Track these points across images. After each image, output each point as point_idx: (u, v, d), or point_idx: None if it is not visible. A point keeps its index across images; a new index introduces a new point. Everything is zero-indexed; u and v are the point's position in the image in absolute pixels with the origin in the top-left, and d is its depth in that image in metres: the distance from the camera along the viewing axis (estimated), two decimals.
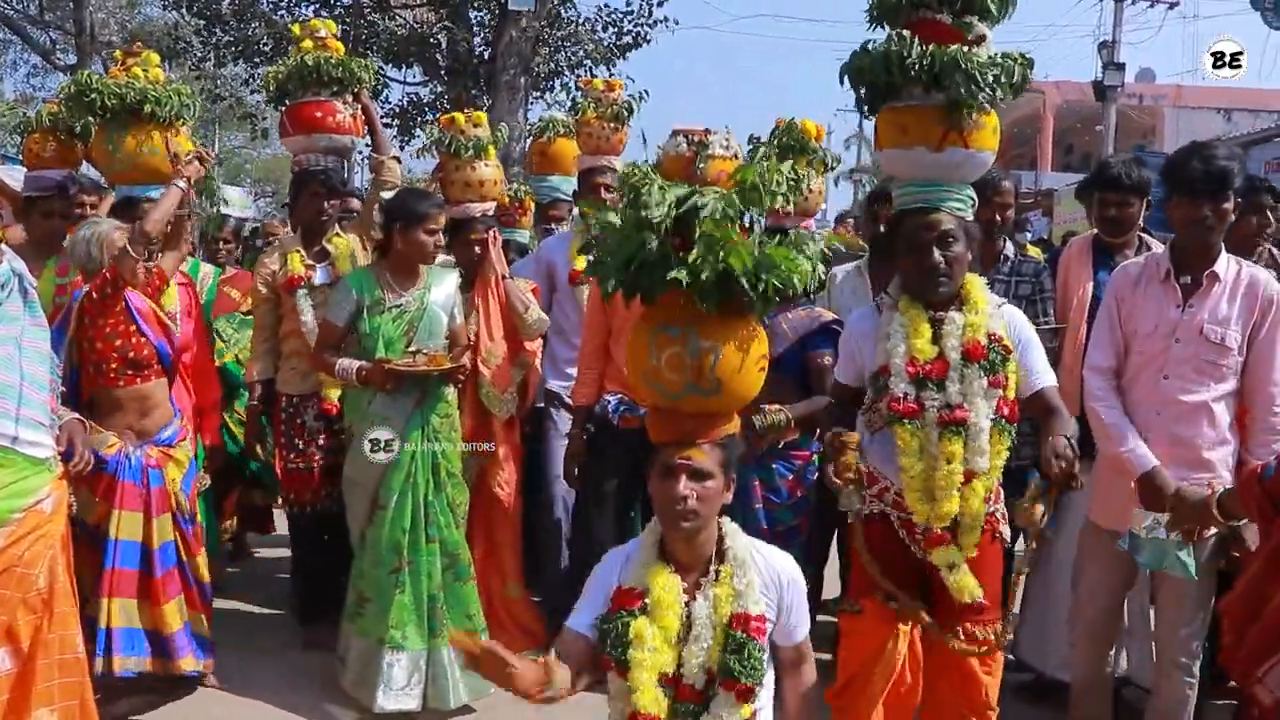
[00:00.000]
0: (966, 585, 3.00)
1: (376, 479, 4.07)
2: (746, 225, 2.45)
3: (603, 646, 2.43)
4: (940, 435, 2.98)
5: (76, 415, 3.42)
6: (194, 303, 4.47)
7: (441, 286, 4.22)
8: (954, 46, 3.02)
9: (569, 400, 4.58)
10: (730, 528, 2.52)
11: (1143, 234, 4.22)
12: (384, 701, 3.98)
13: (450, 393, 4.20)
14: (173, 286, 4.24)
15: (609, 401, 4.31)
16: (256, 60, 15.10)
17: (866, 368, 3.17)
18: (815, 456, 4.06)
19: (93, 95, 4.39)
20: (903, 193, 3.22)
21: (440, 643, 4.06)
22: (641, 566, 2.48)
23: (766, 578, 2.46)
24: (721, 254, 2.31)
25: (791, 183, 2.46)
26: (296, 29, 5.10)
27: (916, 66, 3.01)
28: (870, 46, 3.12)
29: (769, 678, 2.51)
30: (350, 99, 4.75)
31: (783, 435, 3.96)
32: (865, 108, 3.22)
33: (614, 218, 2.46)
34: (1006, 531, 3.17)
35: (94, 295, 3.80)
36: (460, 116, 4.64)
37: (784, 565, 2.52)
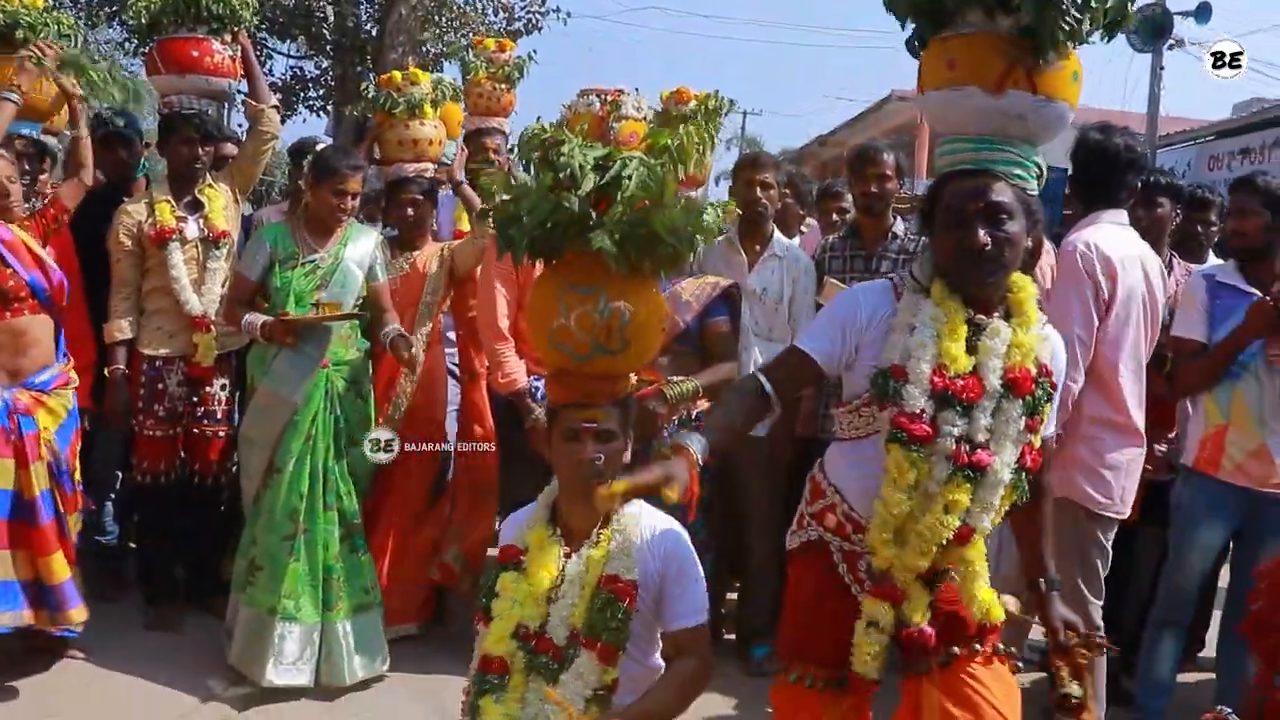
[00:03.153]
0: (986, 599, 2.38)
1: (274, 440, 3.92)
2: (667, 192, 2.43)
3: (477, 599, 2.44)
4: (950, 477, 2.27)
5: None
6: (67, 250, 4.19)
7: (358, 244, 4.10)
8: None
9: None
10: None
11: None
12: (274, 675, 3.80)
13: (360, 357, 4.08)
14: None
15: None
16: (131, 14, 14.45)
17: (864, 358, 2.42)
18: None
19: None
20: (946, 151, 2.44)
21: (335, 616, 3.91)
22: (527, 527, 2.47)
23: (652, 548, 2.40)
24: (646, 217, 2.29)
25: (704, 149, 2.46)
26: None
27: None
28: None
29: (652, 660, 2.45)
30: (229, 39, 4.50)
31: (692, 405, 4.01)
32: (915, 43, 2.50)
33: (528, 179, 2.41)
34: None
35: None
36: (398, 74, 4.54)
37: (675, 540, 2.43)
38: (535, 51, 5.89)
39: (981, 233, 2.27)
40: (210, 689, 3.88)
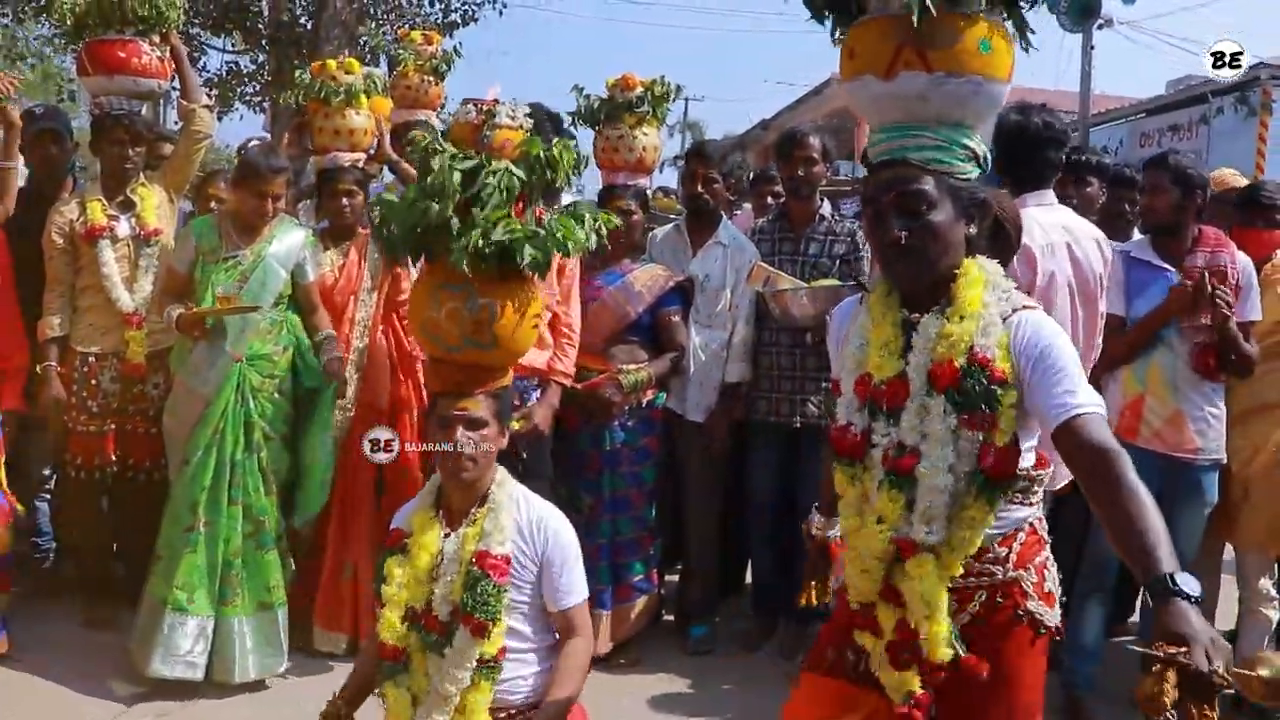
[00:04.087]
0: (936, 632, 2.08)
1: (187, 432, 3.93)
2: (531, 197, 2.57)
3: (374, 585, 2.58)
4: (880, 484, 2.15)
5: None
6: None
7: (284, 240, 4.11)
8: None
9: None
10: (501, 476, 2.60)
11: None
12: (160, 667, 3.79)
13: (278, 353, 4.08)
14: None
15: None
16: (56, 17, 14.21)
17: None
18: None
19: None
20: (869, 144, 2.31)
21: (230, 611, 3.88)
22: (414, 511, 2.61)
23: (529, 529, 2.54)
24: (500, 225, 2.43)
25: (575, 161, 2.62)
26: None
27: None
28: None
29: (533, 635, 2.55)
30: (157, 40, 4.51)
31: (643, 393, 4.20)
32: (834, 38, 2.36)
33: (392, 197, 2.62)
34: (1050, 617, 2.21)
35: None
36: (332, 62, 4.55)
37: (552, 522, 2.58)
38: (461, 44, 5.92)
39: (896, 226, 2.12)
40: (109, 688, 3.85)
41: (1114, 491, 1.92)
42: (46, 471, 4.83)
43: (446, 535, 2.54)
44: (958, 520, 2.09)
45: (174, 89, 4.85)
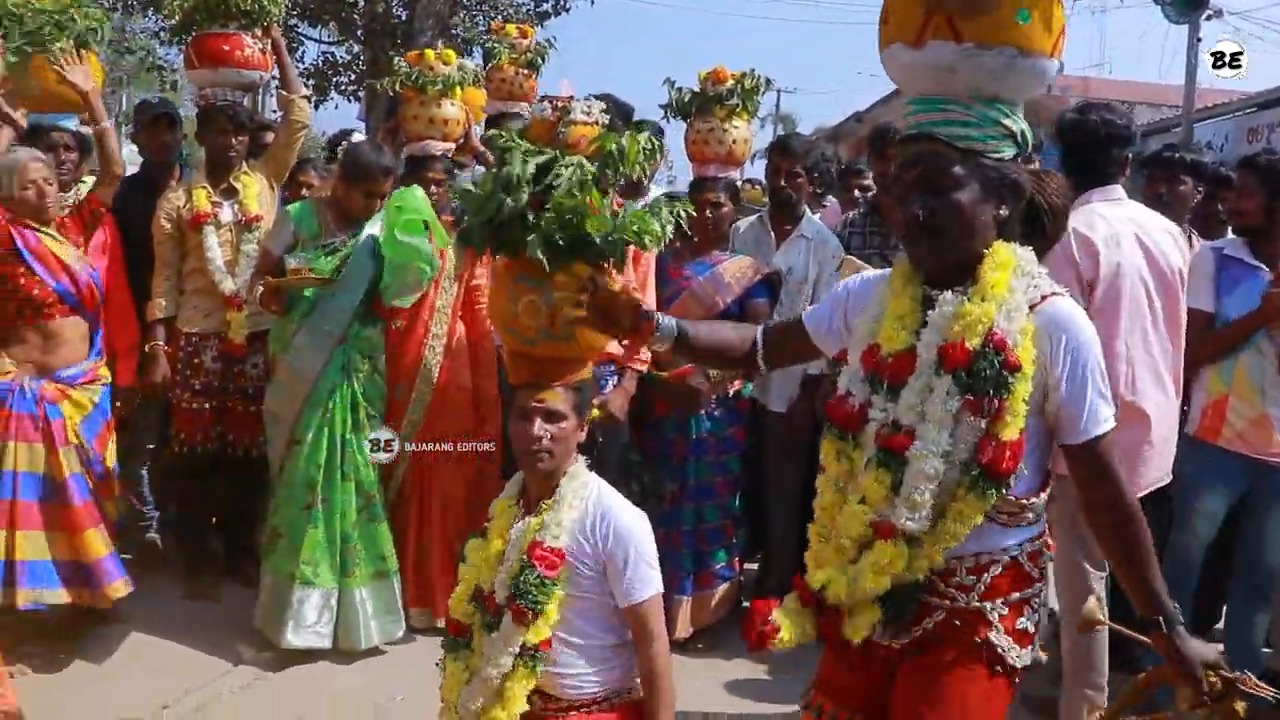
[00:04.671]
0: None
1: (294, 413, 4.08)
2: (604, 189, 2.59)
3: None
4: (869, 463, 2.06)
5: None
6: (111, 239, 4.35)
7: (375, 229, 4.21)
8: None
9: None
10: (575, 469, 2.60)
11: None
12: (292, 638, 3.97)
13: (375, 334, 4.22)
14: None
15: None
16: (166, 12, 14.68)
17: (835, 341, 2.33)
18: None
19: None
20: (902, 115, 2.21)
21: (352, 582, 4.06)
22: (501, 497, 2.70)
23: (592, 525, 2.52)
24: (574, 219, 2.46)
25: (648, 152, 2.64)
26: None
27: None
28: None
29: (597, 633, 2.54)
30: (260, 33, 4.67)
31: (730, 384, 4.24)
32: None
33: (470, 185, 2.66)
34: (1016, 657, 2.08)
35: None
36: (430, 52, 4.64)
37: (621, 519, 2.53)
38: (555, 38, 5.95)
39: (917, 204, 2.03)
40: (240, 654, 4.06)
41: (1127, 525, 2.05)
42: (150, 446, 5.03)
43: (518, 522, 2.59)
44: (948, 512, 1.98)
45: (274, 80, 5.00)
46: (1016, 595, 2.08)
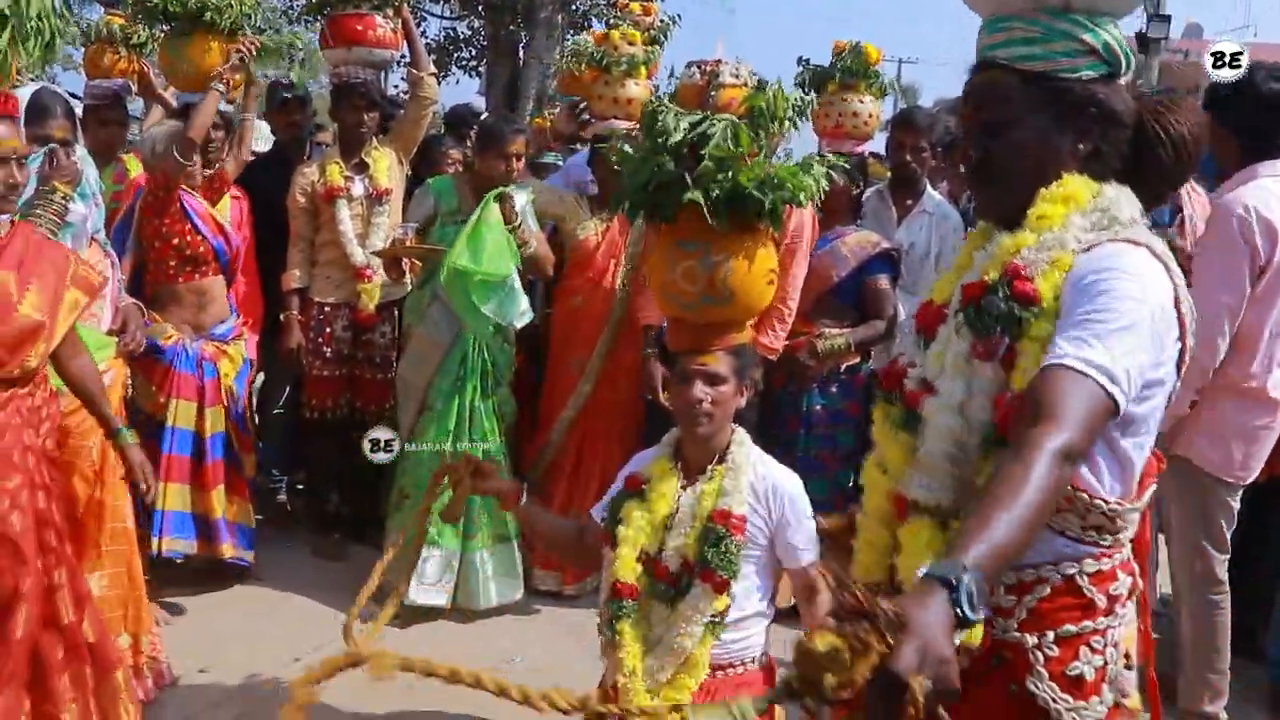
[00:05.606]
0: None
1: (427, 381, 4.24)
2: (755, 150, 2.58)
3: (604, 522, 2.62)
4: (894, 425, 1.81)
5: (134, 301, 3.58)
6: (245, 217, 4.57)
7: (522, 196, 4.28)
8: None
9: None
10: (740, 436, 2.62)
11: None
12: (415, 594, 4.10)
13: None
14: (225, 198, 4.42)
15: None
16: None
17: None
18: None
19: (155, 3, 4.52)
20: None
21: (474, 545, 4.20)
22: (653, 460, 2.65)
23: (761, 488, 2.54)
24: (730, 172, 2.46)
25: (797, 108, 2.64)
26: None
27: None
28: None
29: (759, 597, 2.56)
30: (390, 13, 4.80)
31: (843, 359, 4.20)
32: None
33: (629, 148, 2.66)
34: (1070, 711, 1.58)
35: (150, 196, 4.08)
36: (615, 33, 4.74)
37: (784, 481, 2.58)
38: (680, 16, 5.99)
39: (972, 146, 1.76)
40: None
41: (1012, 465, 1.42)
42: (277, 412, 5.24)
43: (684, 488, 2.56)
44: (971, 483, 1.60)
45: (403, 58, 5.15)
46: (1072, 628, 1.59)
